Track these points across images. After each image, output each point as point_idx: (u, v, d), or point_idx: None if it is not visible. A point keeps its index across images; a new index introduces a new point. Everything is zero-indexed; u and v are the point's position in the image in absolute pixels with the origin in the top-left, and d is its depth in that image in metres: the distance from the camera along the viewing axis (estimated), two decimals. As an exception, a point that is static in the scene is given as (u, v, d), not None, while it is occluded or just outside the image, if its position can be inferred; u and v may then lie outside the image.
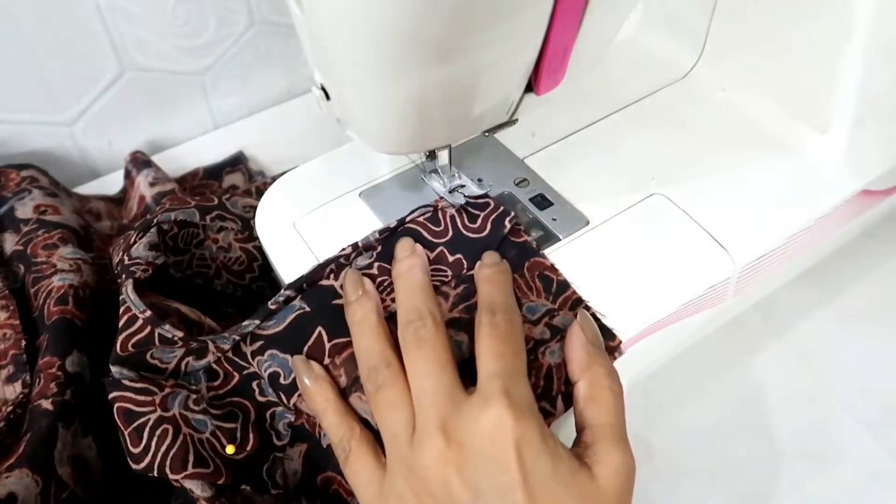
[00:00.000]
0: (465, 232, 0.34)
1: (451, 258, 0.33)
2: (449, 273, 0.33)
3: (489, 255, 0.32)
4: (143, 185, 0.45)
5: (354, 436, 0.29)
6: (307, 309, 0.32)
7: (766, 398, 0.39)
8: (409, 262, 0.32)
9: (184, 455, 0.29)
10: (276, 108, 0.55)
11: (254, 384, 0.33)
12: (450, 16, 0.24)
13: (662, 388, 0.39)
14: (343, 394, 0.30)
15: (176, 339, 0.31)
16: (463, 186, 0.36)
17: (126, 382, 0.30)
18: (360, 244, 0.33)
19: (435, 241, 0.34)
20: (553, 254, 0.34)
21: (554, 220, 0.36)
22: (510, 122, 0.33)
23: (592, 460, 0.26)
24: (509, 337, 0.28)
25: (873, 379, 0.40)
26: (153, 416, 0.30)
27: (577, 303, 0.32)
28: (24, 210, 0.41)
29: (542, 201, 0.37)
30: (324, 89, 0.30)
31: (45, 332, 0.34)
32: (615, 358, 0.31)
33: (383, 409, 0.28)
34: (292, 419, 0.32)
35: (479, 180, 0.37)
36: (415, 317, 0.29)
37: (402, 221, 0.34)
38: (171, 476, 0.29)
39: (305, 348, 0.31)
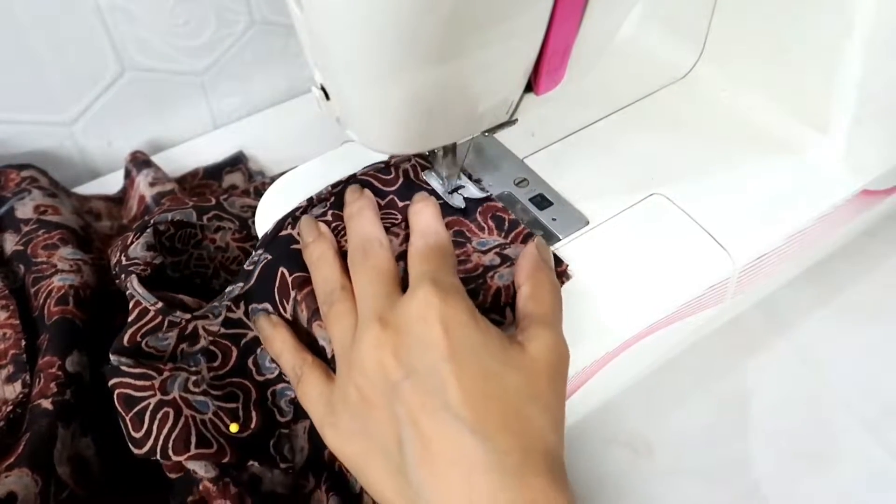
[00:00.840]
0: (416, 181, 0.36)
1: (400, 204, 0.35)
2: (399, 216, 0.35)
3: (419, 194, 0.35)
4: (143, 186, 0.44)
5: (306, 363, 0.31)
6: (270, 258, 0.33)
7: (767, 398, 0.39)
8: (359, 203, 0.33)
9: (186, 437, 0.30)
10: (276, 108, 0.55)
11: (250, 363, 0.33)
12: (449, 16, 0.24)
13: (662, 388, 0.39)
14: (307, 326, 0.32)
15: (183, 321, 0.32)
16: (462, 187, 0.36)
17: (125, 368, 0.31)
18: (314, 197, 0.35)
19: (385, 189, 0.36)
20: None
21: (554, 219, 0.36)
22: (510, 122, 0.33)
23: (524, 338, 0.27)
24: (437, 247, 0.31)
25: (873, 379, 0.40)
26: (153, 401, 0.30)
27: (529, 236, 0.34)
28: (25, 210, 0.41)
29: (541, 201, 0.37)
30: (324, 89, 0.30)
31: (46, 331, 0.34)
32: (562, 282, 0.32)
33: (333, 321, 0.30)
34: (293, 395, 0.32)
35: (479, 180, 0.37)
36: (366, 243, 0.31)
37: (353, 175, 0.36)
38: (175, 458, 0.29)
39: (275, 291, 0.33)
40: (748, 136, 0.40)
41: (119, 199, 0.48)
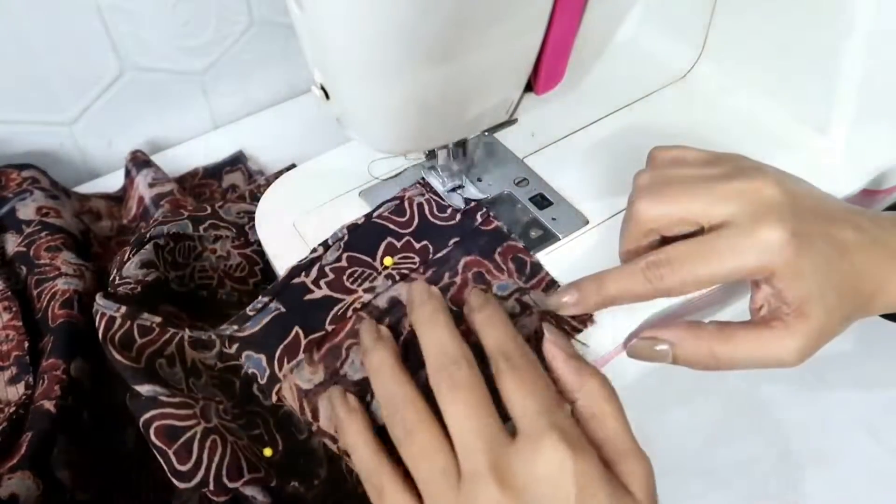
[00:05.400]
0: (431, 220, 0.35)
1: (417, 245, 0.34)
2: (417, 259, 0.33)
3: (475, 295, 0.31)
4: (143, 186, 0.45)
5: (385, 474, 0.27)
6: (283, 310, 0.32)
7: (767, 398, 0.39)
8: (431, 305, 0.30)
9: (237, 462, 0.29)
10: (276, 107, 0.55)
11: (255, 390, 0.33)
12: (449, 16, 0.24)
13: (662, 388, 0.39)
14: (323, 385, 0.30)
15: (154, 325, 0.31)
16: (462, 187, 0.36)
17: (164, 399, 0.29)
18: (329, 242, 0.34)
19: (401, 231, 0.35)
20: (552, 253, 0.34)
21: (553, 219, 0.36)
22: (510, 122, 0.33)
23: (626, 481, 0.26)
24: (534, 374, 0.27)
25: (873, 379, 0.40)
26: (199, 429, 0.29)
27: (552, 283, 0.32)
28: (26, 211, 0.41)
29: (541, 201, 0.37)
30: (323, 89, 0.30)
31: (51, 334, 0.34)
32: (587, 327, 0.31)
33: (417, 456, 0.26)
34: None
35: (479, 180, 0.37)
36: (447, 361, 0.27)
37: (369, 216, 0.35)
38: (231, 485, 0.28)
39: (281, 347, 0.31)
40: (747, 136, 0.40)
41: (119, 198, 0.48)
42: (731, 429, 0.38)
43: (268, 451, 0.31)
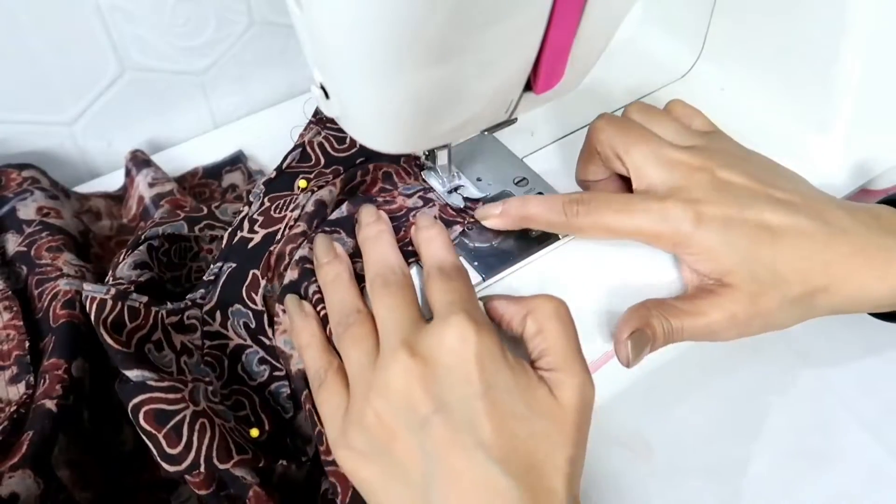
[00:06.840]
0: (335, 154, 0.37)
1: (328, 171, 0.37)
2: (331, 176, 0.37)
3: (423, 217, 0.34)
4: (143, 186, 0.45)
5: (332, 367, 0.30)
6: (234, 265, 0.34)
7: (767, 398, 0.39)
8: (377, 227, 0.33)
9: (226, 445, 0.29)
10: (276, 107, 0.55)
11: (240, 370, 0.33)
12: (449, 15, 0.24)
13: (662, 388, 0.39)
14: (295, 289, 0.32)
15: (140, 306, 0.32)
16: (462, 186, 0.36)
17: (152, 384, 0.30)
18: (251, 199, 0.36)
19: (312, 169, 0.37)
20: (552, 253, 0.34)
21: (554, 219, 0.36)
22: (509, 122, 0.33)
23: (551, 383, 0.27)
24: (459, 278, 0.30)
25: (873, 379, 0.40)
26: (188, 413, 0.29)
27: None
28: (27, 211, 0.41)
29: (541, 201, 0.37)
30: (323, 88, 0.30)
31: (52, 333, 0.34)
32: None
33: (350, 343, 0.29)
34: (287, 392, 0.33)
35: (479, 180, 0.37)
36: (385, 270, 0.31)
37: (279, 169, 0.37)
38: (221, 466, 0.29)
39: (244, 289, 0.33)
40: (747, 136, 0.40)
41: (119, 197, 0.48)
42: (730, 428, 0.38)
43: (254, 432, 0.31)
